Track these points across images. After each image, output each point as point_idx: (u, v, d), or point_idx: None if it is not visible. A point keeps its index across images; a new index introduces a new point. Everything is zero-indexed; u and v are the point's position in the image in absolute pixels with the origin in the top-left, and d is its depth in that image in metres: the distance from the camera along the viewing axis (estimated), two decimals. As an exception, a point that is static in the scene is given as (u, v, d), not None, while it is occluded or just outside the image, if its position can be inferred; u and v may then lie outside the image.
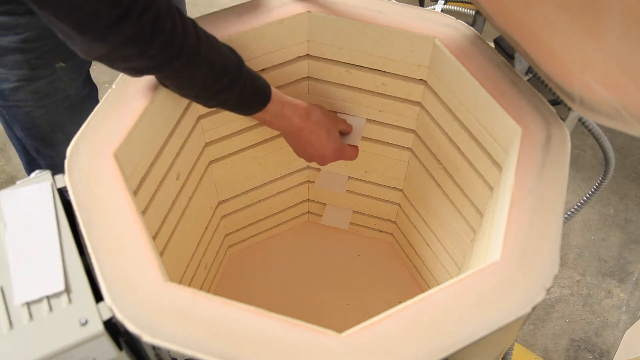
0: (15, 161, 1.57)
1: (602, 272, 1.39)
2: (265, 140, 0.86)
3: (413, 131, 0.83)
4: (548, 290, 0.47)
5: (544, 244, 0.50)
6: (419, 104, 0.78)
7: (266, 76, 0.66)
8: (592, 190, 0.73)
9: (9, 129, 0.88)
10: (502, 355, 0.70)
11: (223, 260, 0.99)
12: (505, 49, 0.68)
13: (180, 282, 0.75)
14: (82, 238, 0.49)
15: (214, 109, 0.74)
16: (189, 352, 0.42)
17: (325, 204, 1.03)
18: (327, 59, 0.77)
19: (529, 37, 0.57)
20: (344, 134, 0.80)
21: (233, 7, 0.72)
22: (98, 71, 1.53)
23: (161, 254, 0.67)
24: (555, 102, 0.65)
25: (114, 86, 0.61)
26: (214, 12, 0.71)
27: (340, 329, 0.44)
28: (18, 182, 0.54)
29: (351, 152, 0.79)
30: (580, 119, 0.65)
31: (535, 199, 0.53)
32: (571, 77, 0.53)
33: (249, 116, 0.66)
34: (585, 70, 0.49)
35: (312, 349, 0.43)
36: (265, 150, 0.87)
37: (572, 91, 0.54)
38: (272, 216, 1.01)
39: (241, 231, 0.99)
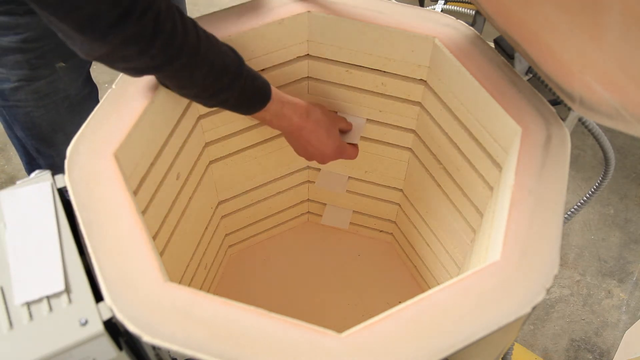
0: (15, 161, 1.57)
1: (602, 272, 1.39)
2: (265, 140, 0.86)
3: (413, 131, 0.83)
4: (548, 290, 0.47)
5: (544, 244, 0.50)
6: (419, 104, 0.78)
7: (266, 76, 0.66)
8: (592, 190, 0.73)
9: (9, 129, 0.88)
10: (502, 355, 0.70)
11: (223, 260, 0.99)
12: (505, 49, 0.68)
13: (180, 282, 0.75)
14: (82, 238, 0.49)
15: (214, 108, 0.74)
16: (189, 352, 0.42)
17: (325, 204, 1.03)
18: (327, 59, 0.77)
19: (529, 37, 0.57)
20: (344, 132, 0.81)
21: (233, 7, 0.72)
22: (98, 71, 1.53)
23: (161, 254, 0.67)
24: (555, 102, 0.65)
25: (114, 86, 0.61)
26: (214, 12, 0.71)
27: (340, 329, 0.44)
28: (18, 182, 0.54)
29: (351, 151, 0.79)
30: (580, 119, 0.65)
31: (535, 199, 0.53)
32: (571, 77, 0.53)
33: (249, 115, 0.66)
34: (585, 70, 0.49)
35: (312, 349, 0.43)
36: (265, 150, 0.87)
37: (572, 91, 0.54)
38: (272, 216, 1.01)
39: (241, 231, 0.99)
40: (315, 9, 0.72)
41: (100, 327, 0.44)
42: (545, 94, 0.63)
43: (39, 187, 0.53)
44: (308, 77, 0.81)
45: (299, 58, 0.77)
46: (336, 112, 0.83)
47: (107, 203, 0.51)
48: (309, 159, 0.76)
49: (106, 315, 0.45)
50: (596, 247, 1.44)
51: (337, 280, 0.99)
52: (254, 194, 0.93)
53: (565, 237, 1.45)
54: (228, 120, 0.78)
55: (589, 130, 0.65)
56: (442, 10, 1.38)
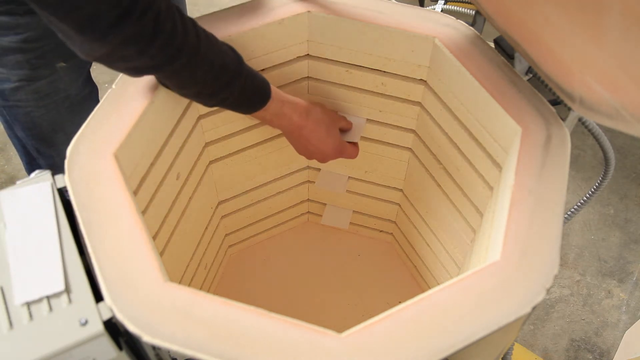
0: (15, 161, 1.57)
1: (602, 272, 1.39)
2: (265, 140, 0.86)
3: (413, 131, 0.83)
4: (548, 290, 0.47)
5: (544, 244, 0.50)
6: (419, 104, 0.78)
7: (266, 76, 0.66)
8: (592, 190, 0.73)
9: (9, 128, 0.88)
10: (502, 355, 0.70)
11: (223, 260, 0.99)
12: (505, 49, 0.68)
13: (180, 282, 0.75)
14: (82, 238, 0.49)
15: (214, 108, 0.74)
16: (189, 352, 0.42)
17: (325, 204, 1.03)
18: (327, 59, 0.77)
19: (529, 37, 0.57)
20: (344, 131, 0.81)
21: (233, 7, 0.72)
22: (98, 71, 1.53)
23: (161, 254, 0.67)
24: (555, 102, 0.65)
25: (114, 86, 0.61)
26: (214, 12, 0.71)
27: (340, 329, 0.44)
28: (18, 182, 0.54)
29: (352, 150, 0.79)
30: (580, 119, 0.65)
31: (535, 199, 0.53)
32: (571, 77, 0.53)
33: (249, 115, 0.66)
34: (585, 70, 0.49)
35: (312, 349, 0.43)
36: (265, 150, 0.87)
37: (572, 91, 0.54)
38: (272, 216, 1.01)
39: (241, 231, 0.99)
40: (315, 9, 0.72)
41: (100, 327, 0.44)
42: (545, 94, 0.63)
43: (39, 187, 0.53)
44: (308, 77, 0.81)
45: (299, 58, 0.77)
46: (336, 112, 0.83)
47: (107, 203, 0.51)
48: (310, 157, 0.76)
49: (106, 315, 0.45)
50: (596, 247, 1.44)
51: (337, 280, 0.99)
52: (254, 194, 0.93)
53: (565, 237, 1.45)
54: (228, 120, 0.78)
55: (589, 130, 0.65)
56: (442, 10, 1.38)
